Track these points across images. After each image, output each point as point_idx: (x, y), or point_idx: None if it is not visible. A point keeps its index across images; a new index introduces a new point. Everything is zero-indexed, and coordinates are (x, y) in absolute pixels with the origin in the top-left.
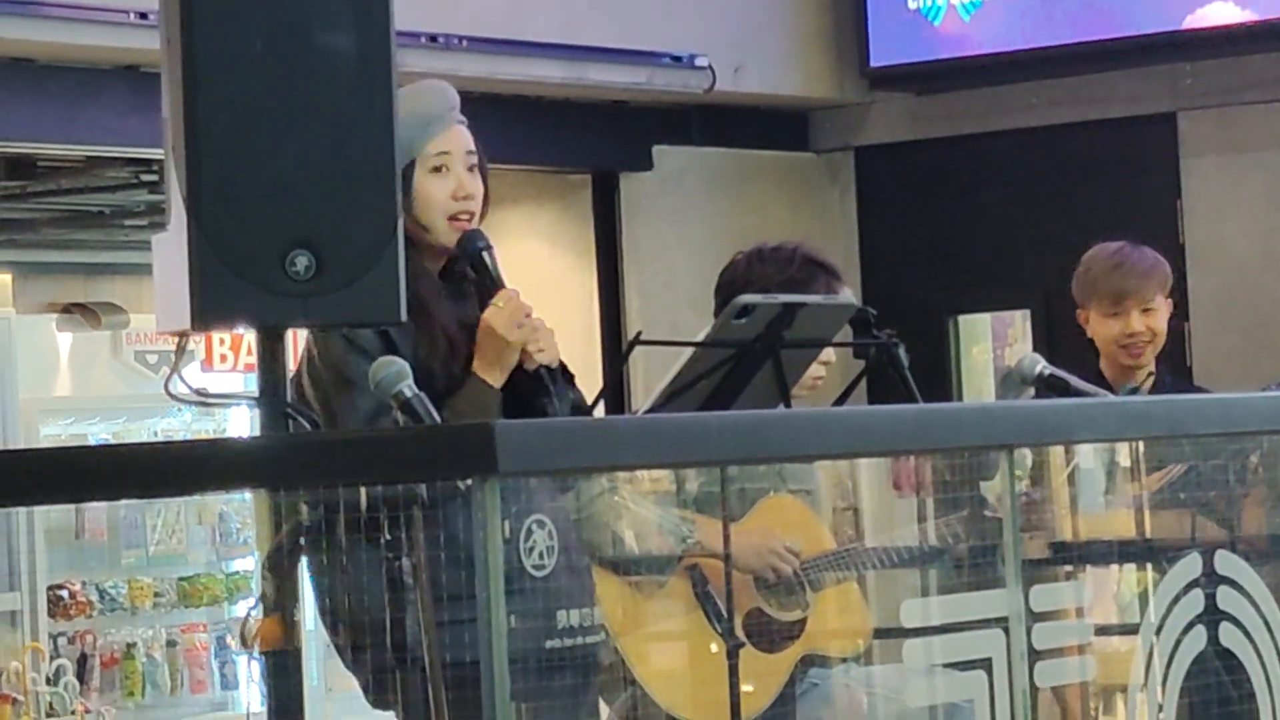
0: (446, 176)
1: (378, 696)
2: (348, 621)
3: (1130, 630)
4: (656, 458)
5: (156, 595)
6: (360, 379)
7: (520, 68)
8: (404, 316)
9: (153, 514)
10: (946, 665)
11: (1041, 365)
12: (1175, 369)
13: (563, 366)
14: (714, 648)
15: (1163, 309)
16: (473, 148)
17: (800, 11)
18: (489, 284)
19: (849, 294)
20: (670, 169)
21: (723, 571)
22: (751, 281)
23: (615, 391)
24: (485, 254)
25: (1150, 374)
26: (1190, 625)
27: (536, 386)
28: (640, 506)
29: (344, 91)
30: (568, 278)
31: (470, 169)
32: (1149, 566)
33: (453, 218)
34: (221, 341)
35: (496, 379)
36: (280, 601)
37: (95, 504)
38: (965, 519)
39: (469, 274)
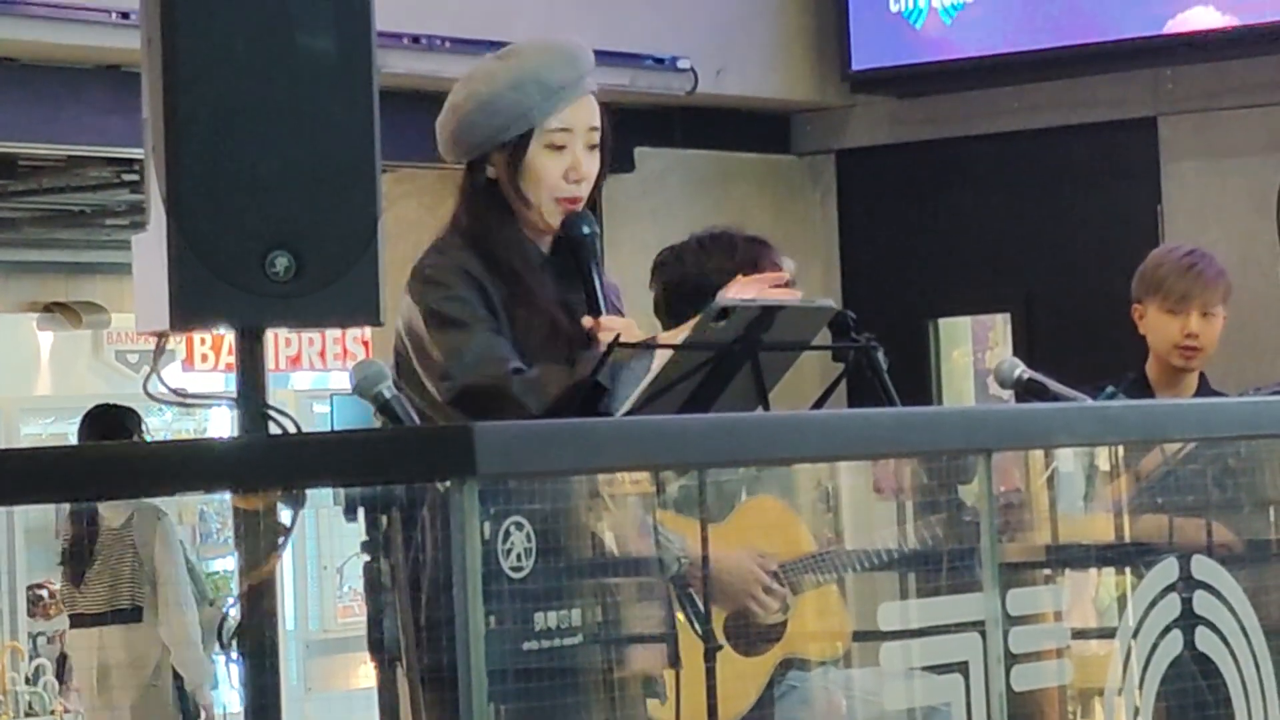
0: (563, 155)
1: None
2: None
3: (1107, 634)
4: (636, 460)
5: None
6: (466, 316)
7: None
8: (383, 319)
9: None
10: (924, 669)
11: (1021, 369)
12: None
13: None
14: (693, 650)
15: (1219, 320)
16: (597, 123)
17: (782, 14)
18: (588, 274)
19: (791, 265)
20: (652, 170)
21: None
22: (705, 273)
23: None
24: (590, 242)
25: (1196, 384)
26: (1167, 629)
27: (594, 394)
28: (621, 510)
29: (325, 92)
30: None
31: (591, 147)
32: (1126, 570)
33: (562, 199)
34: (203, 341)
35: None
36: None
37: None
38: (944, 522)
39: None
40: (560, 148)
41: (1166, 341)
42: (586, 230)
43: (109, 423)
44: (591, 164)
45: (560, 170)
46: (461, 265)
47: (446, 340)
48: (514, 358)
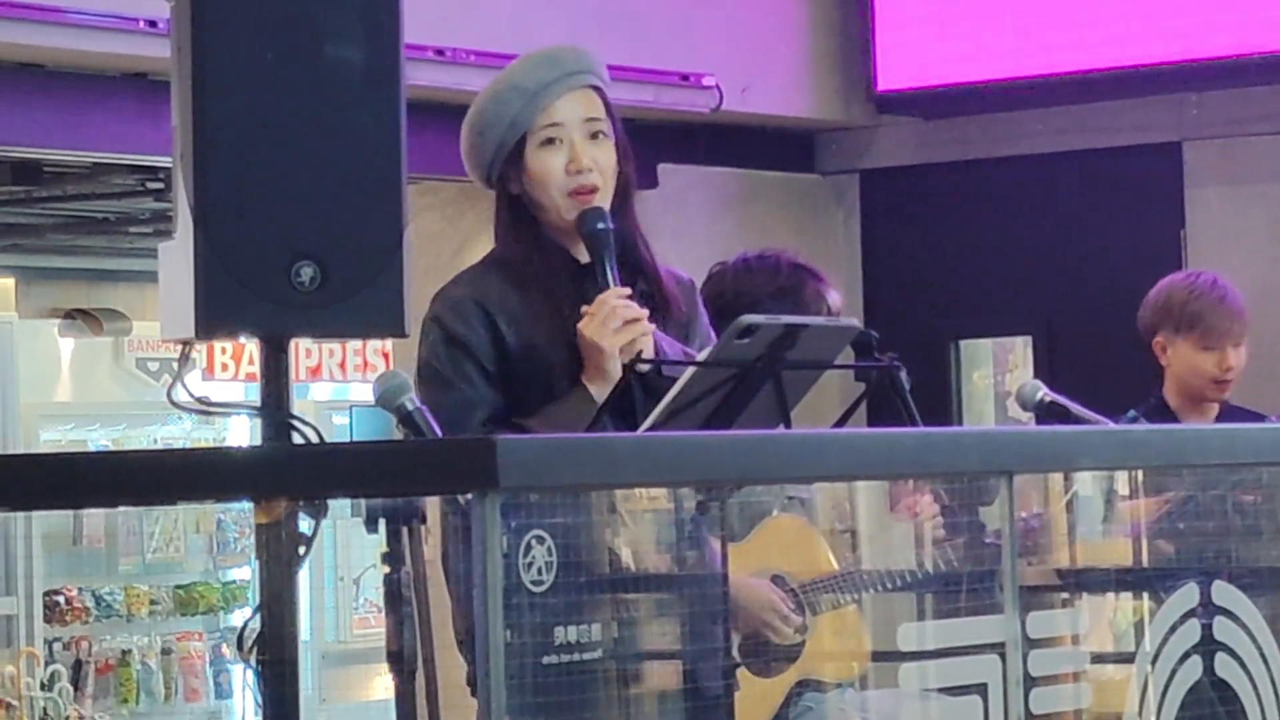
0: (559, 148)
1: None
2: None
3: (1126, 659)
4: (656, 476)
5: (153, 603)
6: (450, 374)
7: None
8: (408, 330)
9: (150, 521)
10: (942, 690)
11: (1043, 392)
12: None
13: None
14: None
15: (1244, 347)
16: (596, 114)
17: (809, 33)
18: (600, 271)
19: (837, 298)
20: (675, 187)
21: None
22: (741, 293)
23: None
24: (604, 236)
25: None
26: (1186, 655)
27: (623, 393)
28: (641, 525)
29: (353, 103)
30: None
31: (593, 136)
32: (1146, 595)
33: (573, 193)
34: (223, 350)
35: (601, 390)
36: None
37: (93, 510)
38: (965, 543)
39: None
40: (553, 141)
41: (1203, 377)
42: (601, 226)
43: None
44: (596, 152)
45: (560, 164)
46: (476, 296)
47: (427, 394)
48: (484, 414)
